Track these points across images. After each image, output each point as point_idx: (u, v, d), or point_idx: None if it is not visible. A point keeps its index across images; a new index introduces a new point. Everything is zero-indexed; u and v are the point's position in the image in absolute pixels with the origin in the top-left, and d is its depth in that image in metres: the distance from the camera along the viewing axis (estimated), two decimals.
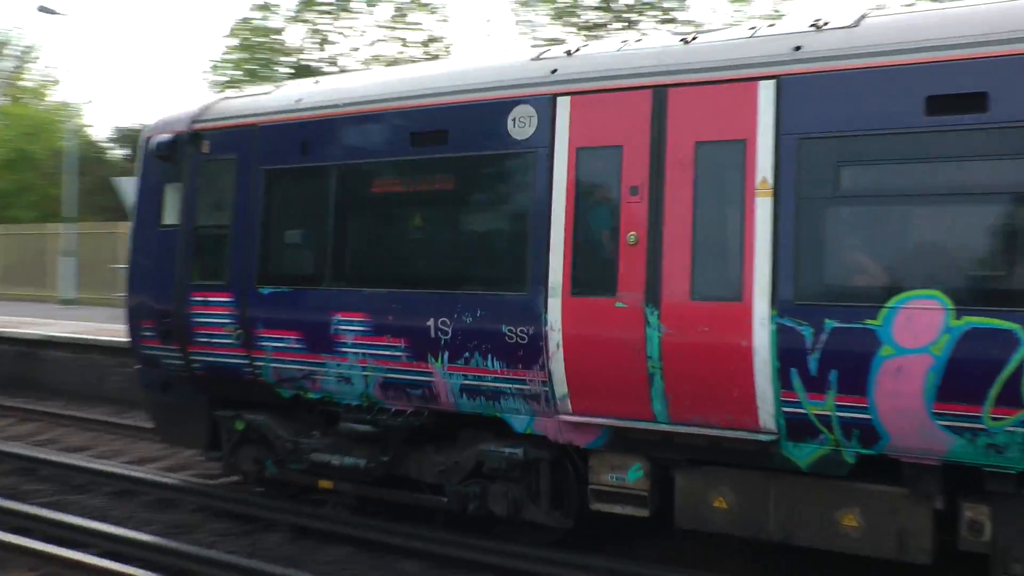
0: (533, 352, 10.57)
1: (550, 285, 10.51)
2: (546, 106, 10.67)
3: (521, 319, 10.61)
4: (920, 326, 8.84)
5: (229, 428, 13.47)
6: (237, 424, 13.31)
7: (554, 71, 10.78)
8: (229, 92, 14.54)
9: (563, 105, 10.63)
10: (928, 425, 8.90)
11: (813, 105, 9.35)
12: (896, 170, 9.07)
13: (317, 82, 13.19)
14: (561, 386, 10.53)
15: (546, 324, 10.49)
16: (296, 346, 12.18)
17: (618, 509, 10.71)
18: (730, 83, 9.75)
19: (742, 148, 9.62)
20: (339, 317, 11.82)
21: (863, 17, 9.66)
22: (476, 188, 11.17)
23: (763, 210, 9.52)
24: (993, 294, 8.52)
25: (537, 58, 11.15)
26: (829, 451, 9.45)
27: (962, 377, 8.60)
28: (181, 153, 13.44)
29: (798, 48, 9.59)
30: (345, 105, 12.12)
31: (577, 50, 11.05)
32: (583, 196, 10.47)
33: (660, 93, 10.10)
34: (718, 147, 9.76)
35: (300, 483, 13.06)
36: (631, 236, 10.16)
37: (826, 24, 9.74)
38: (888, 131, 9.02)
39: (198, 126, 13.39)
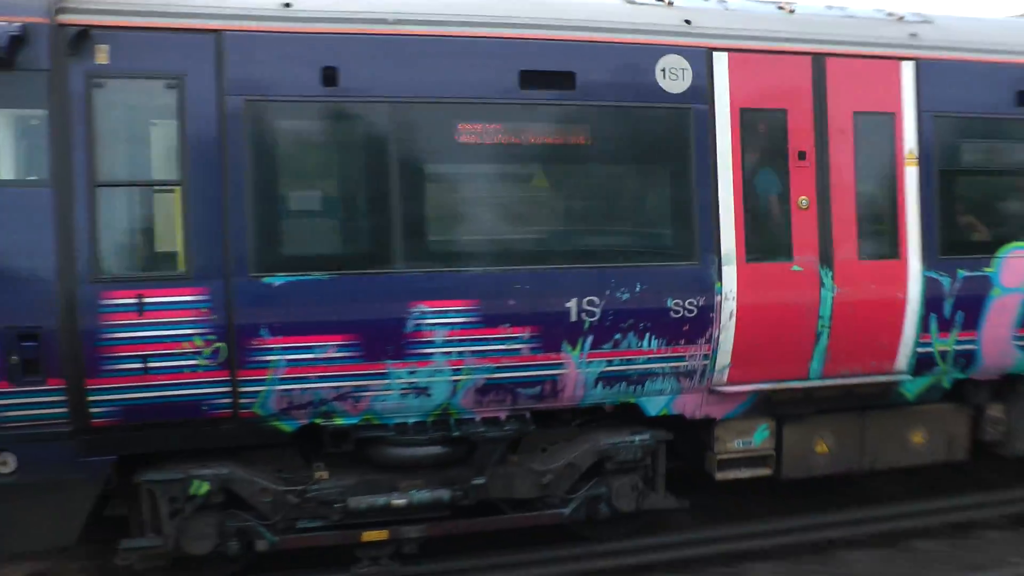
0: (701, 325, 10.04)
1: (723, 253, 10.08)
2: (701, 59, 10.05)
3: (691, 290, 9.97)
4: (1018, 270, 11.20)
5: (174, 496, 9.19)
6: (196, 487, 9.18)
7: (711, 23, 10.14)
8: None
9: (720, 61, 10.13)
10: (1009, 347, 11.32)
11: (943, 87, 10.86)
12: (994, 147, 11.19)
13: None
14: (725, 357, 10.21)
15: (719, 293, 10.07)
16: (337, 355, 9.14)
17: (745, 473, 10.75)
18: (880, 59, 10.64)
19: (892, 120, 10.67)
20: (423, 307, 9.29)
21: (962, 17, 11.37)
22: (624, 145, 9.88)
23: (911, 177, 10.76)
24: None
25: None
26: (935, 380, 11.20)
27: None
28: (38, 59, 8.56)
29: (914, 35, 10.91)
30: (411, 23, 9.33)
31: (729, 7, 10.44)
32: (750, 159, 10.21)
33: (819, 60, 10.43)
34: (873, 118, 10.61)
35: (322, 544, 9.59)
36: (802, 200, 10.37)
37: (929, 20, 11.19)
38: (987, 115, 11.08)
39: (78, 19, 8.67)
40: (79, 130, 8.53)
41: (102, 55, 8.63)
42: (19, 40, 8.39)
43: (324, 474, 9.57)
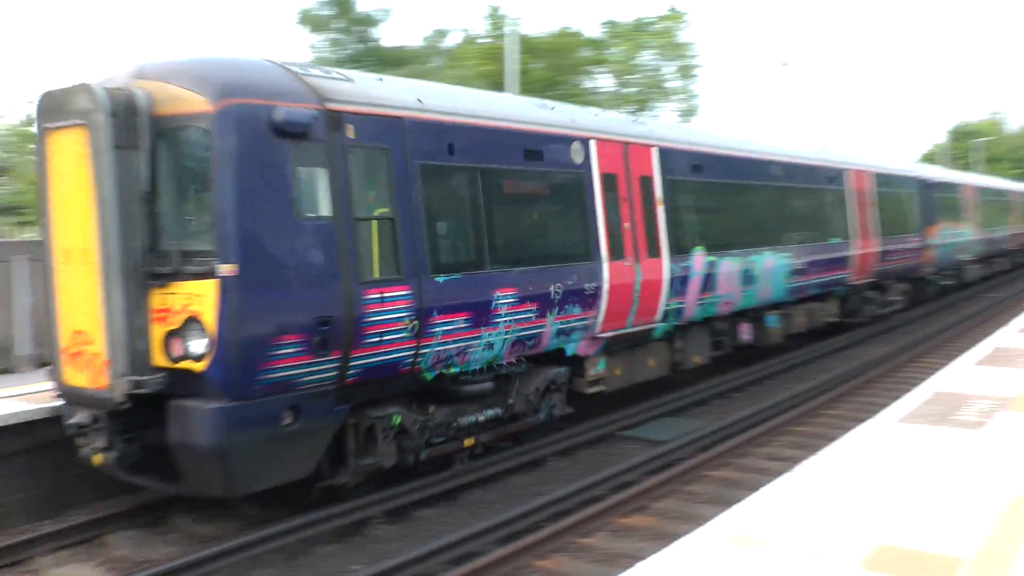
0: (596, 298, 17.54)
1: (602, 255, 17.68)
2: (586, 144, 17.58)
3: (593, 278, 17.45)
4: (699, 262, 19.95)
5: (385, 427, 14.55)
6: (393, 419, 14.68)
7: (588, 124, 17.65)
8: (362, 75, 14.14)
9: (592, 145, 17.73)
10: (695, 305, 20.08)
11: (671, 162, 19.32)
12: (688, 194, 19.84)
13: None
14: (601, 317, 17.77)
15: (602, 279, 17.65)
16: (462, 325, 15.30)
17: (597, 389, 18.23)
18: (645, 147, 18.85)
19: (651, 180, 18.95)
20: (498, 293, 15.82)
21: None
22: (561, 192, 17.05)
23: (661, 212, 19.10)
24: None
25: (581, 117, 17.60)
26: (667, 326, 19.60)
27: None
28: (319, 133, 13.40)
29: (654, 131, 19.22)
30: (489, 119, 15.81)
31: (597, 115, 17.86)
32: (608, 201, 17.86)
33: (626, 147, 18.43)
34: (646, 179, 18.79)
35: (445, 453, 15.42)
36: (626, 224, 18.24)
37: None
38: (696, 179, 19.76)
39: (337, 107, 13.67)
40: (343, 183, 13.82)
41: (350, 132, 14.00)
42: (313, 120, 13.51)
43: (433, 407, 15.63)
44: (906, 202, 35.02)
